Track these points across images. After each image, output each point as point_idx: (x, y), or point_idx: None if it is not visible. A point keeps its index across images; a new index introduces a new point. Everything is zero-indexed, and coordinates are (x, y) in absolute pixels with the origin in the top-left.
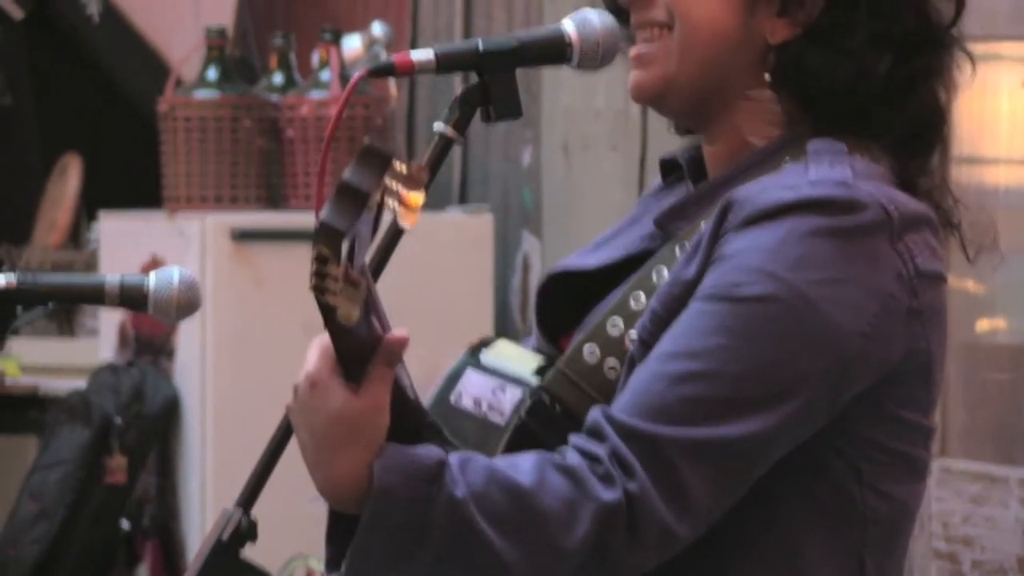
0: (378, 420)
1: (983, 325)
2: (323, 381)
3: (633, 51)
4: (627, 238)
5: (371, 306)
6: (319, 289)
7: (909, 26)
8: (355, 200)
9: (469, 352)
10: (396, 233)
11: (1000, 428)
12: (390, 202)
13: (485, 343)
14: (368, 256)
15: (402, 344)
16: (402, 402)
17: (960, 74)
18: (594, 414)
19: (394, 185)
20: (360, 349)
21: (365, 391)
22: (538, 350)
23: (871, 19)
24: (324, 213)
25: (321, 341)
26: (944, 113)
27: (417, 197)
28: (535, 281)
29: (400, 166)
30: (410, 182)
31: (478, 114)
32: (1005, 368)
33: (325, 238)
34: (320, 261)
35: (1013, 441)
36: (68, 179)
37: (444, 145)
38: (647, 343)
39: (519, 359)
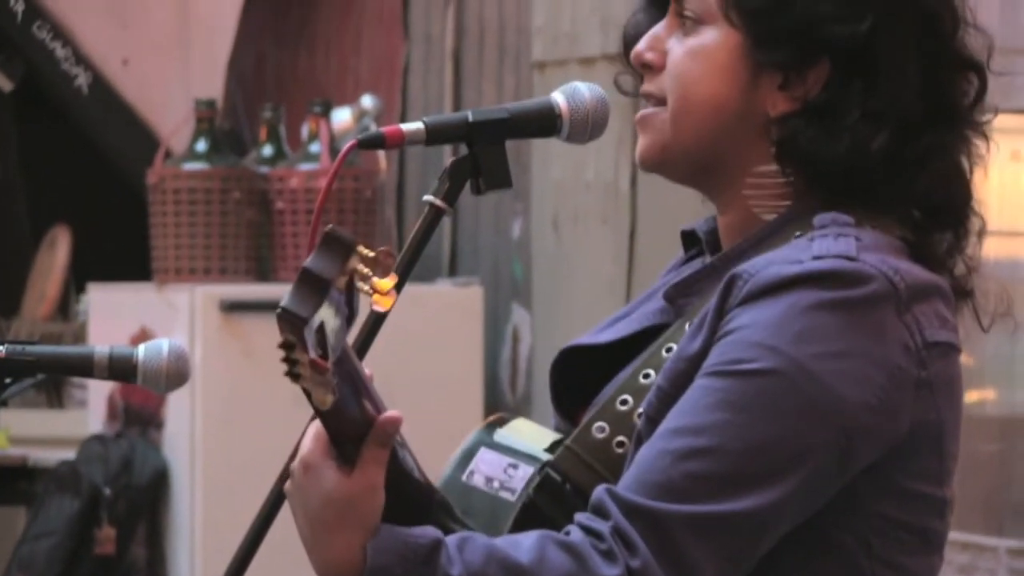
0: (372, 501)
1: (972, 396)
2: (316, 463)
3: (638, 115)
4: (642, 313)
5: (361, 387)
6: (291, 375)
7: (910, 104)
8: (316, 287)
9: (484, 429)
10: (379, 316)
11: (989, 499)
12: (362, 286)
13: (501, 420)
14: (352, 337)
15: (395, 424)
16: (405, 482)
17: (986, 149)
18: (598, 491)
19: (364, 270)
20: (352, 431)
21: (357, 472)
22: (557, 427)
23: (867, 97)
24: (285, 300)
25: (317, 424)
26: (967, 186)
27: (386, 282)
28: (525, 353)
29: (366, 251)
30: (378, 267)
31: (468, 186)
32: (994, 439)
33: (287, 325)
34: (286, 348)
35: (1002, 512)
36: (57, 251)
37: (434, 217)
38: (654, 420)
39: (533, 436)
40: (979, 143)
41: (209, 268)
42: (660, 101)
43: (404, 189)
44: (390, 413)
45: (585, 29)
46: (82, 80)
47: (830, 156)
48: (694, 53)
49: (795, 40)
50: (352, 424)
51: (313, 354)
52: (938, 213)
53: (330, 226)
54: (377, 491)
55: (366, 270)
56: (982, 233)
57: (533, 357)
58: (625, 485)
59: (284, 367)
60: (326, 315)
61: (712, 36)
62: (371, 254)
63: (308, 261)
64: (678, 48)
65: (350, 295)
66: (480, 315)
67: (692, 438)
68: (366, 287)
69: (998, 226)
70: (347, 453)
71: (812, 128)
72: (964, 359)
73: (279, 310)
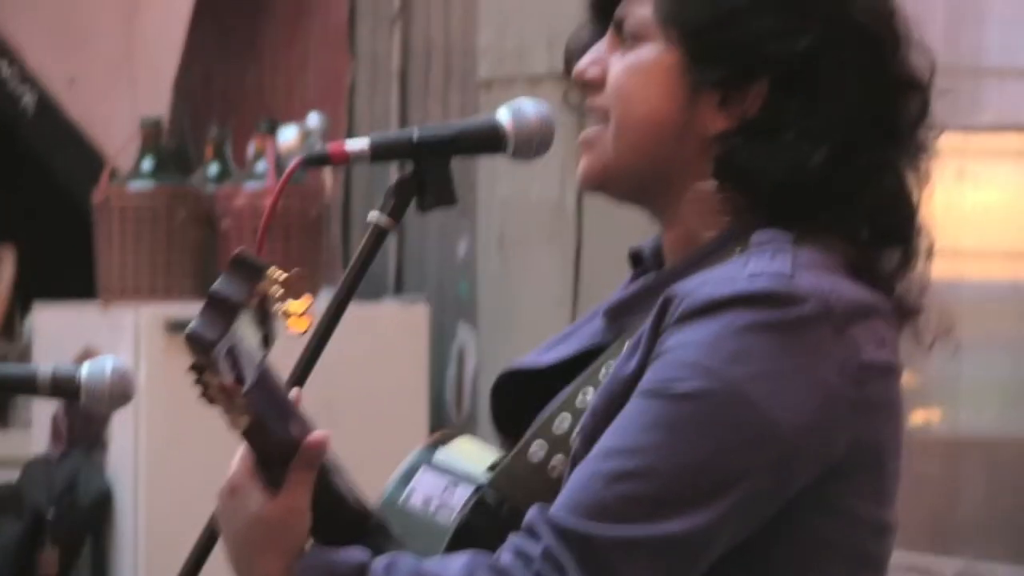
0: (297, 523)
1: (917, 417)
2: (241, 485)
3: (581, 136)
4: (583, 333)
5: (286, 409)
6: (205, 397)
7: (850, 123)
8: (224, 310)
9: (426, 448)
10: (323, 335)
11: (935, 519)
12: (276, 309)
13: (444, 438)
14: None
15: (320, 446)
16: (337, 505)
17: (932, 167)
18: (531, 513)
19: (276, 292)
20: (277, 453)
21: (283, 495)
22: (502, 447)
23: (805, 115)
24: (192, 324)
25: (245, 445)
26: (913, 205)
27: (299, 304)
28: (470, 372)
29: (277, 273)
30: (290, 289)
31: (413, 204)
32: (939, 460)
33: (195, 348)
34: (196, 371)
35: (948, 532)
36: (2, 271)
37: (379, 234)
38: (589, 440)
39: (475, 456)
40: (925, 162)
41: (154, 287)
42: (604, 116)
43: (350, 207)
44: (316, 435)
45: (531, 47)
46: (28, 99)
47: (768, 174)
48: (633, 69)
49: (733, 58)
50: (277, 446)
51: (225, 377)
52: (884, 232)
53: (239, 248)
54: (303, 513)
55: (279, 292)
56: (931, 252)
57: (479, 376)
58: (558, 507)
59: (197, 388)
60: (240, 337)
61: (651, 53)
62: (283, 276)
63: (216, 284)
64: (618, 64)
65: (265, 318)
66: (426, 334)
67: (625, 459)
68: (280, 309)
69: (941, 245)
70: (274, 475)
71: (750, 146)
72: (908, 379)
73: (186, 333)
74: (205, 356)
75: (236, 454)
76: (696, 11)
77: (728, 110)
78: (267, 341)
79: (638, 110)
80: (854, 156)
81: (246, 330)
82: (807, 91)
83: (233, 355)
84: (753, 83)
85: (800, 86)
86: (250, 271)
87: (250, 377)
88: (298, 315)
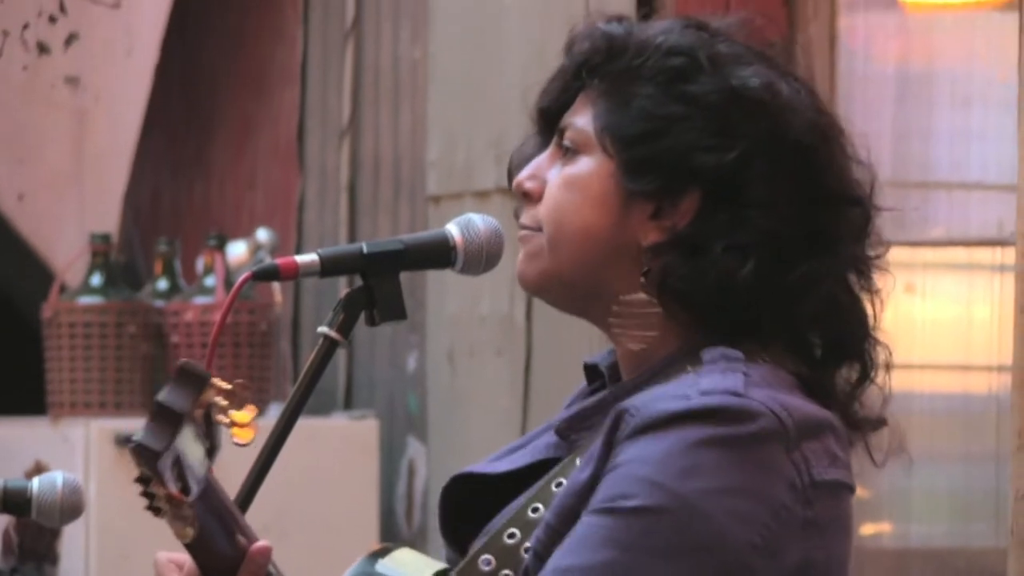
0: None
1: (868, 529)
2: None
3: (518, 234)
4: (535, 445)
5: (230, 520)
6: (151, 509)
7: (781, 235)
8: (169, 420)
9: (367, 558)
10: (272, 449)
11: None
12: (221, 419)
13: (384, 550)
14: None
15: (265, 555)
16: None
17: (879, 281)
18: None
19: (221, 402)
20: (221, 564)
21: None
22: (447, 557)
23: (734, 228)
24: (138, 435)
25: (187, 557)
26: (862, 318)
27: (244, 415)
28: (421, 487)
29: (221, 384)
30: (235, 400)
31: (363, 318)
32: (890, 572)
33: (141, 459)
34: (142, 482)
35: None
36: None
37: (328, 349)
38: (541, 556)
39: (417, 567)
40: (871, 275)
41: (104, 402)
42: (535, 230)
43: (300, 322)
44: (260, 544)
45: (480, 162)
46: None
47: (699, 291)
48: (569, 183)
49: (664, 169)
50: (221, 558)
51: (171, 487)
52: (836, 346)
53: (182, 360)
54: None
55: (223, 402)
56: (888, 365)
57: (429, 490)
58: None
59: (144, 500)
60: (185, 448)
61: (587, 165)
62: (227, 386)
63: (161, 395)
64: (555, 177)
65: (210, 428)
66: (376, 448)
67: None
68: (225, 420)
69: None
70: None
71: (680, 262)
72: (860, 492)
73: (131, 444)
74: (151, 467)
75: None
76: (630, 122)
77: (660, 222)
78: (212, 452)
79: (573, 222)
80: (786, 269)
81: (191, 441)
82: (737, 204)
83: (179, 466)
84: (684, 195)
85: (730, 198)
86: (195, 381)
87: (195, 488)
88: (243, 425)
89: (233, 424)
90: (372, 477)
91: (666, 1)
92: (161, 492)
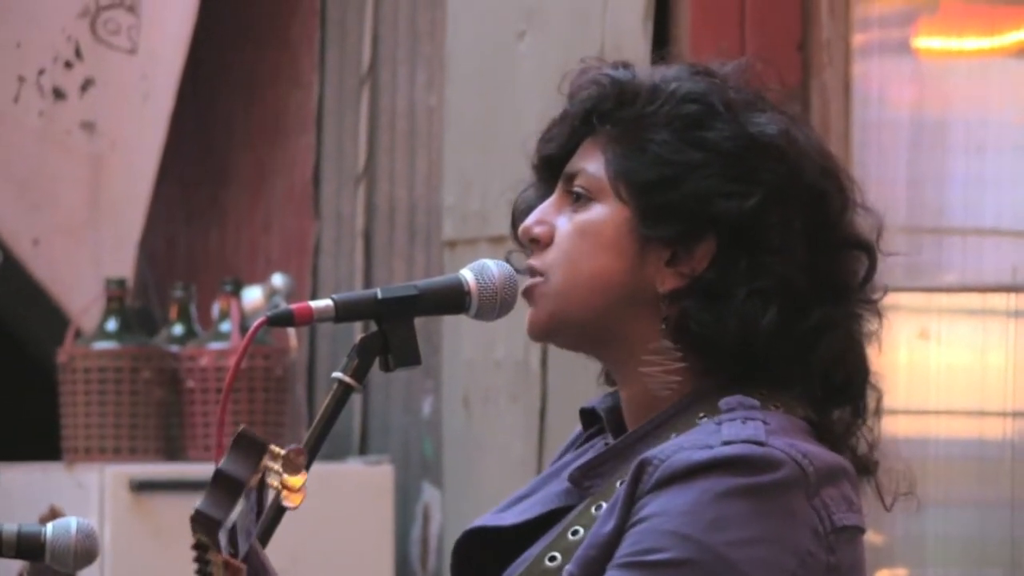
0: None
1: (883, 575)
2: None
3: (523, 287)
4: (546, 494)
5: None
6: (202, 574)
7: (797, 281)
8: (230, 489)
9: None
10: (280, 509)
11: None
12: (272, 483)
13: None
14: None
15: None
16: None
17: (879, 326)
18: None
19: (274, 467)
20: None
21: None
22: None
23: (754, 274)
24: (200, 503)
25: None
26: (863, 362)
27: (297, 480)
28: (435, 532)
29: (277, 451)
30: (289, 466)
31: (378, 363)
32: None
33: (202, 528)
34: (200, 549)
35: None
36: None
37: (343, 394)
38: None
39: None
40: (872, 320)
41: (119, 447)
42: (542, 276)
43: (315, 367)
44: None
45: (495, 208)
46: None
47: (721, 338)
48: (583, 230)
49: (682, 215)
50: None
51: (225, 554)
52: (836, 390)
53: (242, 427)
54: None
55: (277, 467)
56: (879, 408)
57: (444, 535)
58: None
59: (195, 565)
60: (238, 514)
61: (601, 212)
62: (282, 452)
63: (222, 463)
64: (567, 225)
65: (260, 492)
66: (391, 493)
67: None
68: (276, 483)
69: (906, 405)
70: None
71: (700, 309)
72: (875, 538)
73: (194, 512)
74: (212, 535)
75: None
76: (647, 168)
77: (677, 268)
78: (259, 515)
79: (587, 269)
80: (802, 315)
81: (243, 505)
82: (755, 249)
83: (233, 531)
84: (701, 241)
85: (748, 244)
86: (254, 449)
87: (244, 551)
88: (294, 490)
89: (286, 488)
90: (387, 522)
91: (681, 47)
92: (219, 560)
